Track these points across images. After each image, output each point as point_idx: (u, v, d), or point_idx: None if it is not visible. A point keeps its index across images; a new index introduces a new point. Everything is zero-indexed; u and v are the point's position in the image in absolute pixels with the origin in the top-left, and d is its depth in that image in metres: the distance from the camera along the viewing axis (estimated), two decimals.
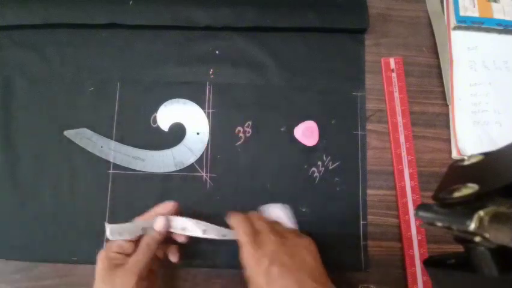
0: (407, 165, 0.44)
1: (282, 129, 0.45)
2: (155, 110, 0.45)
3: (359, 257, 0.42)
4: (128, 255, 0.34)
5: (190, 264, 0.42)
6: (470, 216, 0.17)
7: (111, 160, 0.43)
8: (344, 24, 0.46)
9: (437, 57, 0.47)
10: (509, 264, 0.18)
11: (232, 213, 0.37)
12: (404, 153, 0.45)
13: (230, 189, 0.43)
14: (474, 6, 0.47)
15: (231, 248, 0.36)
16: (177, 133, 0.45)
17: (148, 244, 0.34)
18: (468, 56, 0.47)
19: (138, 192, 0.43)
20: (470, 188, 0.19)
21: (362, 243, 0.43)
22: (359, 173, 0.44)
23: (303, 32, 0.47)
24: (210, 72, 0.46)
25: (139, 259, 0.33)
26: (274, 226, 0.35)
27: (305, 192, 0.43)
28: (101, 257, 0.34)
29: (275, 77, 0.46)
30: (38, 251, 0.42)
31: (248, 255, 0.31)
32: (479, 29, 0.47)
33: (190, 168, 0.44)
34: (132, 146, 0.44)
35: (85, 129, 0.44)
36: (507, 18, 0.47)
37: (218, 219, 0.38)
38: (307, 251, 0.32)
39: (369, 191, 0.44)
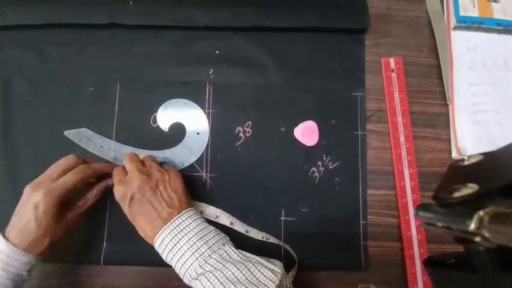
0: (407, 165, 0.44)
1: (282, 129, 0.45)
2: (155, 110, 0.45)
3: (359, 257, 0.42)
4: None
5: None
6: (470, 216, 0.17)
7: (111, 160, 0.43)
8: (344, 24, 0.46)
9: (437, 57, 0.47)
10: (509, 264, 0.18)
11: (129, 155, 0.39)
12: (404, 153, 0.45)
13: (230, 189, 0.43)
14: (474, 6, 0.47)
15: None
16: (177, 133, 0.45)
17: (83, 169, 0.36)
18: (468, 56, 0.47)
19: None
20: (470, 188, 0.19)
21: (362, 243, 0.43)
22: (359, 173, 0.44)
23: (303, 32, 0.47)
24: (210, 72, 0.46)
25: (66, 180, 0.35)
26: (161, 166, 0.39)
27: (305, 192, 0.43)
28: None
29: (275, 77, 0.46)
30: None
31: (117, 191, 0.35)
32: (479, 29, 0.47)
33: (190, 168, 0.44)
34: (132, 146, 0.44)
35: (85, 129, 0.44)
36: (507, 18, 0.47)
37: None
38: (171, 184, 0.36)
39: (369, 191, 0.44)
